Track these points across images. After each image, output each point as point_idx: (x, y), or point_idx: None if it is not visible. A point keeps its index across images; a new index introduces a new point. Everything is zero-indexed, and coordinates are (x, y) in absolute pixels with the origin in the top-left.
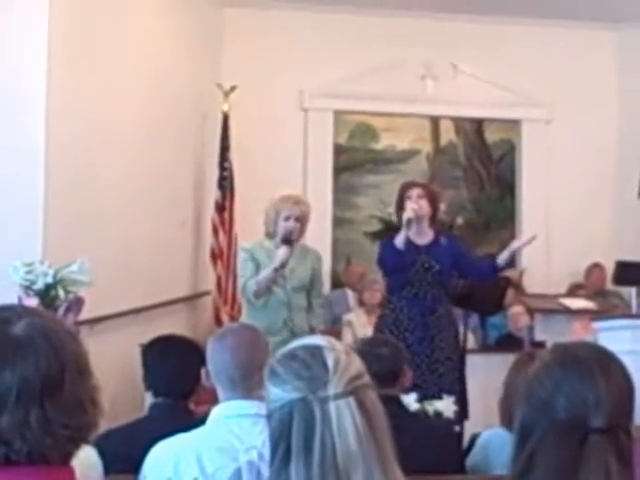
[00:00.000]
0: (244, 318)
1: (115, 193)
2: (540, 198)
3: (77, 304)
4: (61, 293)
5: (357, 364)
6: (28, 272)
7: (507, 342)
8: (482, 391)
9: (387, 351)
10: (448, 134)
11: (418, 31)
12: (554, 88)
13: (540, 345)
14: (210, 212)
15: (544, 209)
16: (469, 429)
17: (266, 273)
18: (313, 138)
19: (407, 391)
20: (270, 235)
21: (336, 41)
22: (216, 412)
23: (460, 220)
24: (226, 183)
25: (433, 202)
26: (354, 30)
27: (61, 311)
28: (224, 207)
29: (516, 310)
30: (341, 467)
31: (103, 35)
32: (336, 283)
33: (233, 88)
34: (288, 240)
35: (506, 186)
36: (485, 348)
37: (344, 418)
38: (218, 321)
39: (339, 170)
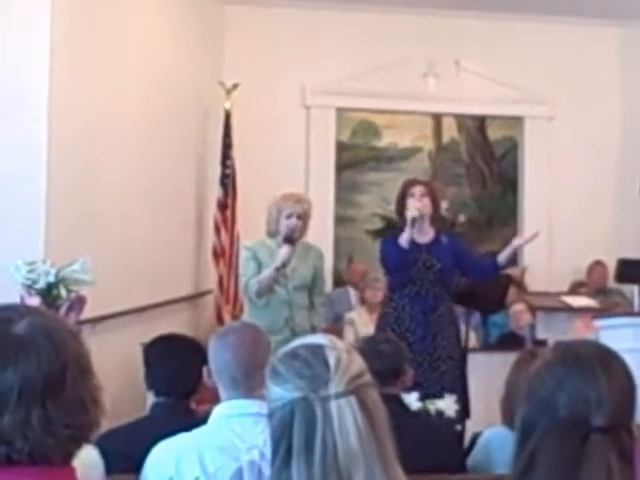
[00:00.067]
0: (246, 317)
1: (117, 191)
2: (542, 195)
3: (79, 303)
4: (63, 292)
5: (358, 363)
6: (30, 271)
7: (509, 340)
8: (484, 390)
9: (388, 348)
10: (450, 131)
11: (421, 28)
12: (557, 85)
13: (542, 343)
14: (212, 210)
15: (546, 206)
16: (470, 428)
17: (268, 272)
18: (315, 135)
19: (409, 389)
20: (272, 233)
21: (338, 38)
22: (218, 411)
23: (462, 217)
24: (228, 181)
25: (435, 200)
26: (356, 27)
27: (63, 310)
28: (226, 205)
29: (518, 308)
30: (342, 466)
31: (104, 33)
32: (338, 281)
33: (235, 86)
34: (290, 239)
35: (508, 183)
36: (487, 346)
37: (345, 417)
38: (220, 320)
39: (341, 168)
